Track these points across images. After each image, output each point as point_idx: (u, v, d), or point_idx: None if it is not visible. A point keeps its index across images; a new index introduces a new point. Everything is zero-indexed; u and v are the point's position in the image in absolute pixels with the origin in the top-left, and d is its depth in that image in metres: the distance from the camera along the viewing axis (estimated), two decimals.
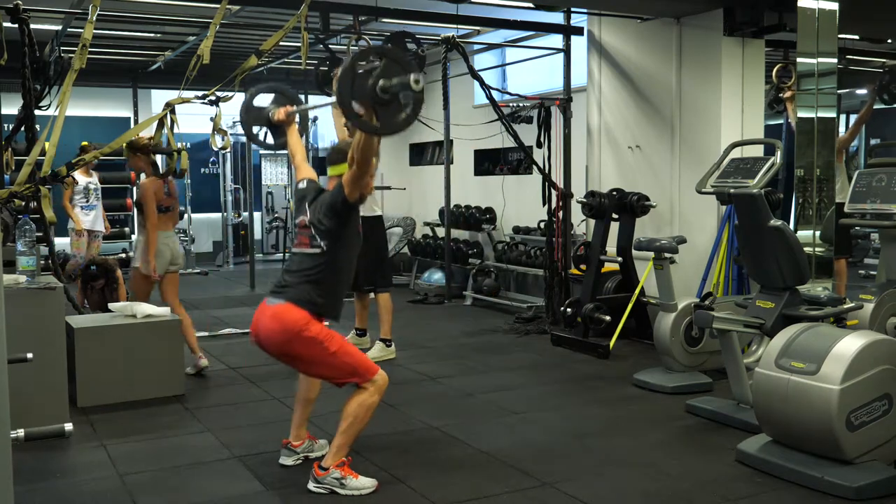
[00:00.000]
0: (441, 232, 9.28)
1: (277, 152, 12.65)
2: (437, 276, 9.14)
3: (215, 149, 7.80)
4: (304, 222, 3.50)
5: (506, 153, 9.08)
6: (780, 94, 7.18)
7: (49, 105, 5.50)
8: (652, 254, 5.16)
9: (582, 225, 7.47)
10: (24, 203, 5.08)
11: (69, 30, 6.91)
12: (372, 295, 6.09)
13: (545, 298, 7.40)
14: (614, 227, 6.49)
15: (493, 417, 4.54)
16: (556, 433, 4.27)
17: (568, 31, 7.39)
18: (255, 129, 4.01)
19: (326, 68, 7.07)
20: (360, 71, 2.95)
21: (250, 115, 4.00)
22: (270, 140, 4.07)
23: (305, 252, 3.47)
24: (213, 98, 5.32)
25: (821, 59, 4.95)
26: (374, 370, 3.41)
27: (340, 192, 3.37)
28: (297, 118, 3.96)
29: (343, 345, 3.40)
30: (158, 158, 5.71)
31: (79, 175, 8.30)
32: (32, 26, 5.39)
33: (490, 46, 9.22)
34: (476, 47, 9.17)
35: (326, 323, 3.45)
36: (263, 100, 4.03)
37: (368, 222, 5.81)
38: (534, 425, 4.41)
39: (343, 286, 3.53)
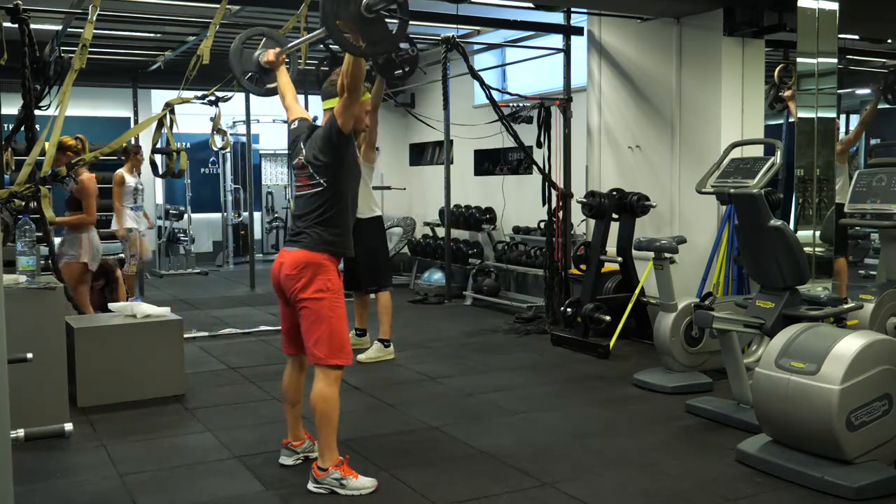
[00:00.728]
0: (441, 232, 9.28)
1: (277, 152, 12.69)
2: (437, 276, 9.14)
3: (215, 149, 7.82)
4: (301, 162, 3.50)
5: (506, 153, 9.08)
6: (781, 94, 7.18)
7: (49, 105, 5.50)
8: (652, 254, 5.16)
9: (582, 225, 7.47)
10: (24, 203, 5.08)
11: (69, 30, 6.91)
12: (372, 295, 6.09)
13: (545, 298, 7.40)
14: (614, 227, 6.49)
15: (493, 417, 4.54)
16: (556, 433, 4.27)
17: (568, 31, 7.39)
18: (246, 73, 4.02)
19: (327, 68, 7.07)
20: None
21: (240, 61, 3.99)
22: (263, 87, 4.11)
23: (308, 193, 3.48)
24: (212, 98, 5.33)
25: (821, 59, 4.95)
26: (349, 359, 3.46)
27: (334, 124, 3.37)
28: (286, 58, 3.94)
29: (344, 316, 3.45)
30: (158, 158, 5.72)
31: (127, 175, 8.18)
32: (32, 26, 5.39)
33: (490, 46, 9.22)
34: (476, 47, 9.17)
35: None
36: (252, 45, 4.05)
37: (367, 223, 5.82)
38: (534, 425, 4.41)
39: (350, 217, 3.55)
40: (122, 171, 8.15)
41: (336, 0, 2.89)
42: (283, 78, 3.91)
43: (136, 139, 8.62)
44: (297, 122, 3.68)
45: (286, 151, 11.40)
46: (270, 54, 3.88)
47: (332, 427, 3.40)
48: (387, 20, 2.98)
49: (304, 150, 3.50)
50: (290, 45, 3.97)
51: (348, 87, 3.25)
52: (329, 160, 3.40)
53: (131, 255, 8.16)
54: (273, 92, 4.06)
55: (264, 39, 4.10)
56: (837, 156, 5.74)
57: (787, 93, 6.96)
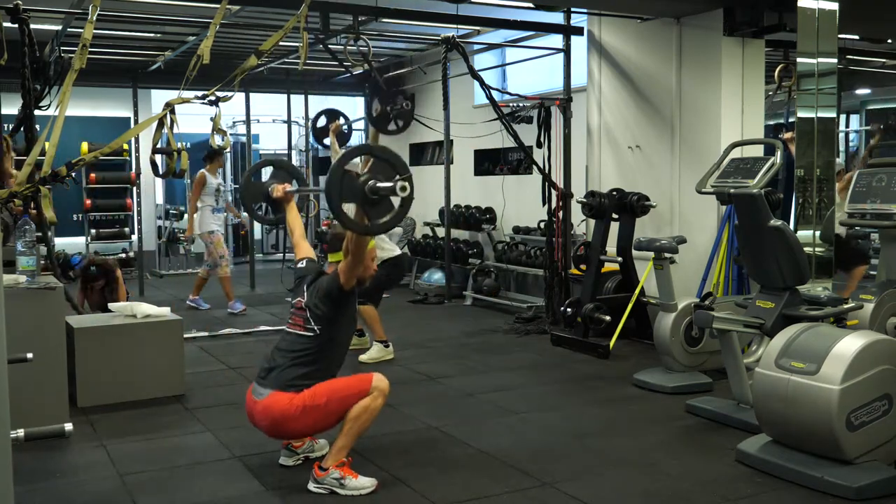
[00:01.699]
0: (441, 232, 9.28)
1: (277, 153, 12.66)
2: (437, 276, 9.14)
3: (215, 149, 7.81)
4: (301, 304, 3.54)
5: (506, 153, 9.08)
6: (781, 136, 7.17)
7: (49, 105, 5.50)
8: (652, 254, 5.16)
9: (582, 225, 7.47)
10: (23, 203, 5.08)
11: (69, 30, 6.91)
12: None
13: (545, 298, 7.40)
14: (614, 227, 6.49)
15: (493, 417, 4.54)
16: (556, 433, 4.27)
17: (568, 31, 7.39)
18: (255, 204, 4.16)
19: (323, 124, 7.27)
20: (349, 171, 3.09)
21: (250, 190, 4.13)
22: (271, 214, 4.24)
23: (299, 333, 3.50)
24: (213, 98, 5.32)
25: (821, 59, 4.94)
26: (368, 381, 3.43)
27: (336, 280, 3.43)
28: (295, 196, 4.05)
29: (329, 388, 3.41)
30: (158, 158, 5.71)
31: (209, 176, 8.07)
32: (32, 26, 5.39)
33: (490, 46, 9.22)
34: (476, 47, 9.17)
35: None
36: (264, 176, 4.18)
37: (388, 263, 5.93)
38: (534, 425, 4.41)
39: (335, 366, 3.56)
40: (204, 171, 8.16)
41: (340, 188, 3.05)
42: (292, 214, 4.01)
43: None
44: (304, 262, 3.75)
45: (286, 152, 11.43)
46: (279, 190, 3.99)
47: (359, 433, 3.43)
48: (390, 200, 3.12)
49: (305, 295, 3.54)
50: (299, 189, 4.11)
51: (352, 255, 3.35)
52: (328, 312, 3.45)
53: (220, 255, 8.09)
54: (281, 221, 4.14)
55: (273, 169, 4.22)
56: (839, 192, 5.75)
57: (787, 135, 6.92)
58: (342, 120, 7.61)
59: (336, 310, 3.46)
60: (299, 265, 3.75)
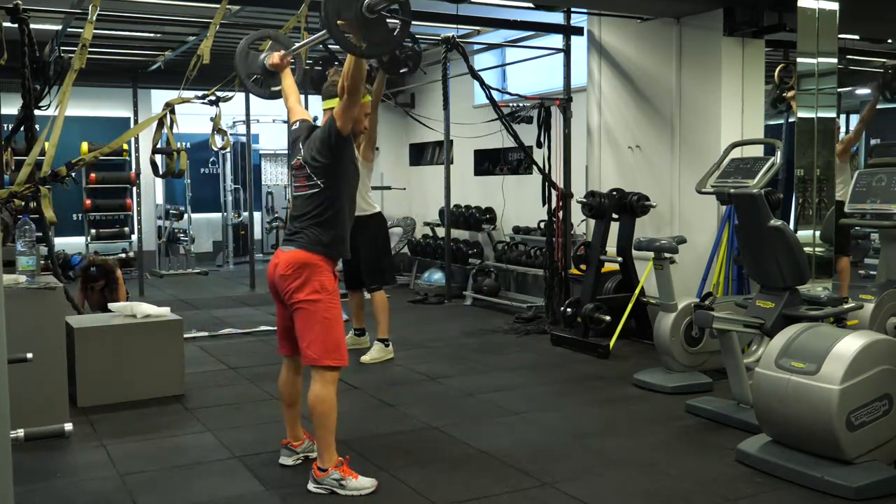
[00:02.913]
0: (441, 232, 9.28)
1: (277, 153, 12.69)
2: (437, 276, 9.15)
3: (215, 149, 7.81)
4: (299, 162, 3.51)
5: (506, 153, 9.08)
6: (784, 94, 7.17)
7: (49, 105, 5.50)
8: (652, 254, 5.16)
9: (582, 225, 7.47)
10: (23, 203, 5.08)
11: (69, 30, 6.91)
12: (367, 295, 6.08)
13: (545, 298, 7.40)
14: (614, 227, 6.49)
15: (493, 417, 4.54)
16: (556, 433, 4.27)
17: (568, 31, 7.39)
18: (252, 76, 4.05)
19: (320, 68, 7.12)
20: None
21: (246, 63, 4.02)
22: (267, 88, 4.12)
23: (305, 194, 3.48)
24: (212, 98, 5.33)
25: (821, 59, 4.94)
26: (344, 360, 3.44)
27: (332, 125, 3.36)
28: (291, 61, 3.95)
29: (340, 317, 3.45)
30: (158, 158, 5.72)
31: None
32: (32, 26, 5.39)
33: (490, 46, 9.22)
34: (476, 47, 9.17)
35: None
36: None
37: (367, 219, 5.82)
38: (534, 425, 4.41)
39: (348, 221, 3.54)
40: None
41: (337, 1, 2.88)
42: (288, 80, 3.92)
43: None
44: (297, 124, 3.69)
45: (286, 151, 11.43)
46: (275, 57, 3.90)
47: (330, 428, 3.40)
48: (388, 21, 2.97)
49: (302, 151, 3.51)
50: (294, 47, 3.99)
51: (348, 89, 3.25)
52: (327, 161, 3.40)
53: None
54: (277, 95, 4.08)
55: (269, 42, 4.11)
56: (838, 155, 5.74)
57: (790, 93, 6.94)
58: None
59: (334, 157, 3.40)
60: (293, 127, 3.69)
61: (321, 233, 3.42)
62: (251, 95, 10.12)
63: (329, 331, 3.40)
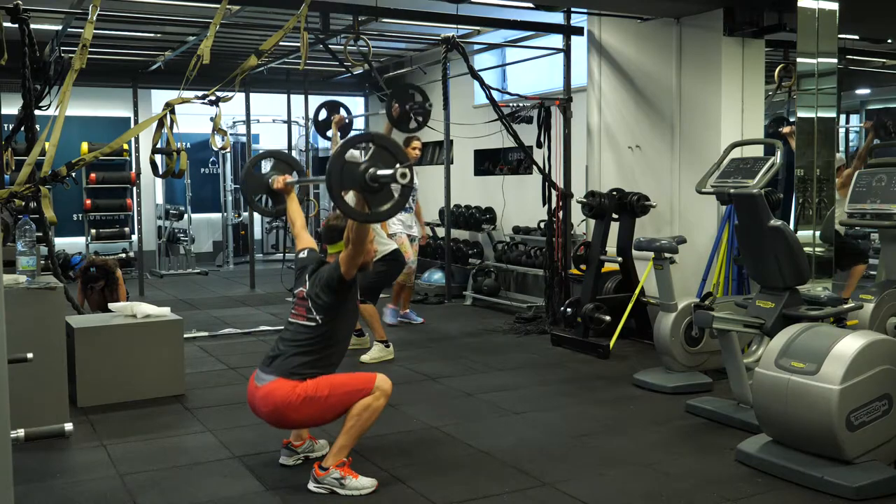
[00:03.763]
0: (441, 232, 9.28)
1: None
2: (437, 276, 9.14)
3: (215, 149, 7.82)
4: (303, 294, 3.55)
5: (506, 153, 9.08)
6: (780, 130, 7.14)
7: (49, 105, 5.50)
8: (652, 254, 5.16)
9: (582, 225, 7.47)
10: (24, 203, 5.08)
11: (69, 30, 6.91)
12: None
13: (545, 298, 7.39)
14: (614, 227, 6.49)
15: (493, 417, 4.54)
16: (556, 433, 4.27)
17: (568, 31, 7.39)
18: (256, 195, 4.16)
19: (325, 117, 7.27)
20: (349, 159, 3.07)
21: (251, 182, 4.13)
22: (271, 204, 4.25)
23: (301, 323, 3.51)
24: (213, 98, 5.32)
25: (821, 59, 4.94)
26: (372, 380, 3.43)
27: (337, 270, 3.42)
28: (296, 188, 4.05)
29: (332, 382, 3.42)
30: (158, 158, 5.71)
31: None
32: (32, 26, 5.39)
33: (490, 46, 9.22)
34: (476, 47, 9.17)
35: None
36: (264, 166, 4.21)
37: (387, 258, 6.03)
38: (534, 425, 4.41)
39: (336, 357, 3.56)
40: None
41: (341, 175, 3.03)
42: (293, 205, 4.01)
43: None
44: (305, 252, 3.75)
45: (286, 152, 11.42)
46: (280, 181, 4.00)
47: (360, 433, 3.43)
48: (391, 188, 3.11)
49: (307, 284, 3.55)
50: (299, 180, 4.13)
51: (353, 243, 3.34)
52: (329, 301, 3.45)
53: (407, 261, 6.98)
54: (282, 213, 4.14)
55: (273, 161, 4.24)
56: (838, 190, 5.75)
57: (787, 129, 6.91)
58: (343, 112, 7.60)
59: (337, 300, 3.45)
60: (300, 255, 3.74)
61: (304, 364, 3.42)
62: (251, 95, 10.15)
63: (341, 392, 3.39)
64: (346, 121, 7.85)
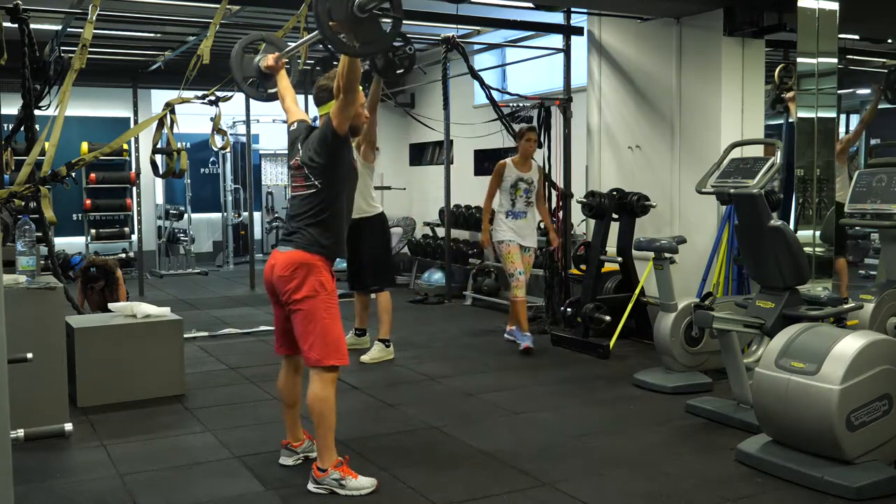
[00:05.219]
0: (441, 232, 9.28)
1: (277, 153, 12.69)
2: (437, 276, 9.14)
3: (215, 149, 7.81)
4: (297, 162, 3.50)
5: (506, 153, 9.06)
6: (782, 95, 7.17)
7: (49, 105, 5.50)
8: (652, 254, 5.16)
9: (582, 225, 7.47)
10: (24, 203, 5.08)
11: (69, 30, 6.91)
12: (372, 295, 6.08)
13: (545, 298, 7.39)
14: (614, 227, 6.49)
15: (493, 417, 4.54)
16: (556, 433, 4.27)
17: (568, 31, 7.39)
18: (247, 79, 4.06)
19: (319, 68, 7.12)
20: None
21: (241, 66, 4.03)
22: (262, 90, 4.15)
23: (303, 194, 3.47)
24: (213, 98, 5.32)
25: (821, 59, 4.95)
26: (345, 359, 3.44)
27: (329, 126, 3.36)
28: (286, 62, 3.96)
29: (338, 316, 3.44)
30: (158, 158, 5.71)
31: (509, 165, 6.25)
32: (32, 26, 5.39)
33: (490, 46, 9.22)
34: (476, 47, 9.17)
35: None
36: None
37: (369, 220, 5.82)
38: (534, 425, 4.41)
39: (345, 221, 3.54)
40: (507, 160, 6.37)
41: (329, 1, 2.88)
42: (283, 82, 3.93)
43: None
44: (295, 125, 3.69)
45: (286, 152, 11.42)
46: (270, 59, 3.91)
47: (330, 428, 3.40)
48: (381, 19, 2.98)
49: (300, 151, 3.50)
50: (288, 49, 3.99)
51: (344, 89, 3.24)
52: (325, 162, 3.40)
53: (509, 273, 6.20)
54: (274, 97, 4.10)
55: (264, 45, 4.13)
56: (837, 155, 5.73)
57: (789, 94, 6.94)
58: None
59: (332, 157, 3.40)
60: (291, 127, 3.69)
61: (318, 233, 3.42)
62: None
63: (329, 330, 3.39)
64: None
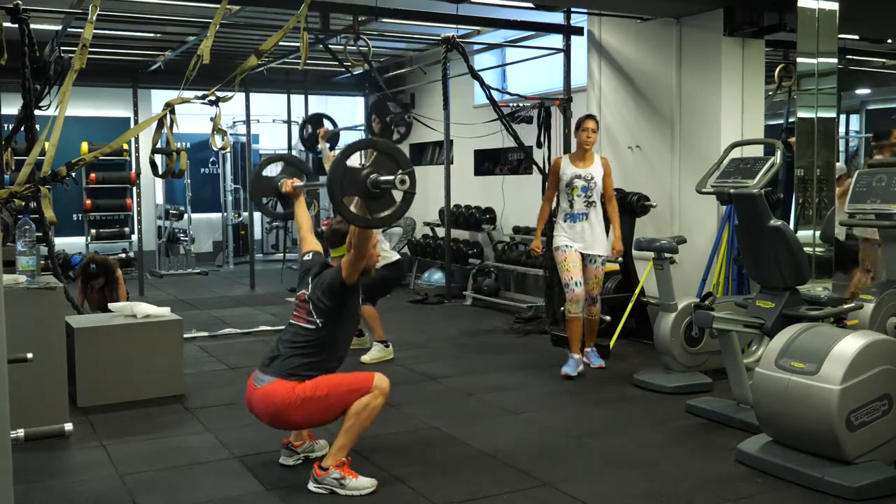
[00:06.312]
0: (441, 232, 9.28)
1: (277, 152, 12.68)
2: (437, 276, 9.14)
3: (215, 149, 7.79)
4: (304, 296, 3.55)
5: (506, 153, 9.08)
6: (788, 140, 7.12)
7: (49, 105, 5.50)
8: (652, 254, 5.16)
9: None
10: (24, 203, 5.08)
11: (69, 30, 6.91)
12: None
13: (545, 298, 7.39)
14: None
15: (493, 417, 4.54)
16: (556, 433, 4.27)
17: (568, 31, 7.39)
18: (265, 199, 4.22)
19: (310, 132, 7.24)
20: (351, 165, 3.08)
21: (259, 185, 4.17)
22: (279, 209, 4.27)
23: (301, 325, 3.51)
24: (212, 98, 5.31)
25: (821, 59, 4.95)
26: (370, 379, 3.43)
27: (339, 275, 3.43)
28: (304, 191, 4.08)
29: (330, 382, 3.42)
30: (158, 158, 5.72)
31: (565, 163, 5.50)
32: (32, 26, 5.39)
33: (490, 46, 9.22)
34: (476, 47, 9.17)
35: None
36: (273, 170, 4.21)
37: (388, 267, 5.90)
38: (534, 425, 4.41)
39: (335, 361, 3.56)
40: (562, 156, 5.74)
41: (342, 181, 3.03)
42: (301, 209, 4.05)
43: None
44: (310, 255, 3.76)
45: (286, 152, 11.42)
46: (288, 185, 4.03)
47: (359, 432, 3.43)
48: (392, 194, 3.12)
49: (309, 287, 3.55)
50: (306, 185, 4.13)
51: (355, 248, 3.35)
52: (330, 305, 3.46)
53: (564, 283, 5.43)
54: (290, 216, 4.18)
55: (282, 165, 4.26)
56: (838, 198, 5.73)
57: (792, 140, 6.79)
58: (328, 123, 7.55)
59: (338, 304, 3.46)
60: (305, 258, 3.76)
61: (302, 366, 3.42)
62: (251, 95, 10.14)
63: (339, 392, 3.38)
64: (330, 128, 7.77)
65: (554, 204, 5.74)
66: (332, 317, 3.46)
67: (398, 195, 3.09)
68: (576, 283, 5.33)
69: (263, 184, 4.16)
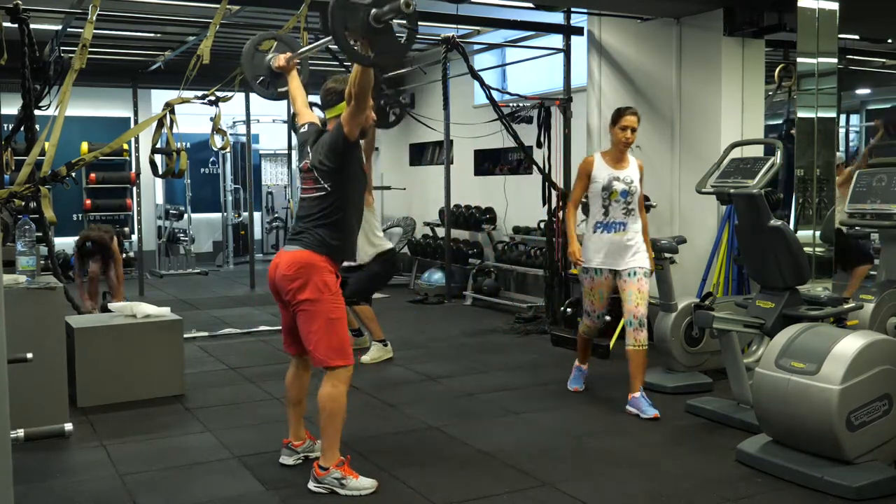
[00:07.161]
0: (441, 232, 9.28)
1: (277, 152, 12.69)
2: (437, 276, 9.14)
3: (215, 149, 7.80)
4: (307, 165, 3.51)
5: (506, 153, 9.08)
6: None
7: (49, 105, 5.50)
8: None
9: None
10: (24, 203, 5.08)
11: (69, 30, 6.91)
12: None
13: (545, 298, 7.39)
14: None
15: (493, 417, 4.54)
16: (556, 433, 4.27)
17: (568, 31, 7.38)
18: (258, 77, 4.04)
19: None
20: (351, 1, 2.90)
21: (252, 65, 4.03)
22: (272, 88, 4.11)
23: (312, 196, 3.48)
24: (212, 98, 5.31)
25: (821, 59, 4.94)
26: (350, 360, 3.44)
27: (340, 131, 3.37)
28: (297, 63, 3.96)
29: (343, 317, 3.45)
30: (158, 158, 5.71)
31: (598, 161, 4.78)
32: (32, 26, 5.39)
33: (490, 46, 9.22)
34: (476, 47, 9.17)
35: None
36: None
37: (377, 256, 5.92)
38: (534, 425, 4.41)
39: (354, 224, 3.54)
40: (596, 154, 4.96)
41: (344, 11, 2.89)
42: (294, 83, 3.93)
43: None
44: (306, 127, 3.69)
45: (286, 151, 11.43)
46: (281, 59, 3.91)
47: (337, 428, 3.41)
48: (395, 29, 3.00)
49: (310, 155, 3.51)
50: (301, 51, 3.99)
51: (356, 96, 3.24)
52: (334, 166, 3.41)
53: (584, 310, 5.00)
54: (284, 96, 4.09)
55: (276, 43, 4.12)
56: (839, 186, 5.73)
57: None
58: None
59: (342, 162, 3.41)
60: (301, 129, 3.69)
61: (326, 234, 3.42)
62: (251, 95, 10.13)
63: (333, 331, 3.39)
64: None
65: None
66: (339, 177, 3.41)
67: (401, 34, 2.96)
68: (597, 316, 4.90)
69: (256, 62, 4.03)
